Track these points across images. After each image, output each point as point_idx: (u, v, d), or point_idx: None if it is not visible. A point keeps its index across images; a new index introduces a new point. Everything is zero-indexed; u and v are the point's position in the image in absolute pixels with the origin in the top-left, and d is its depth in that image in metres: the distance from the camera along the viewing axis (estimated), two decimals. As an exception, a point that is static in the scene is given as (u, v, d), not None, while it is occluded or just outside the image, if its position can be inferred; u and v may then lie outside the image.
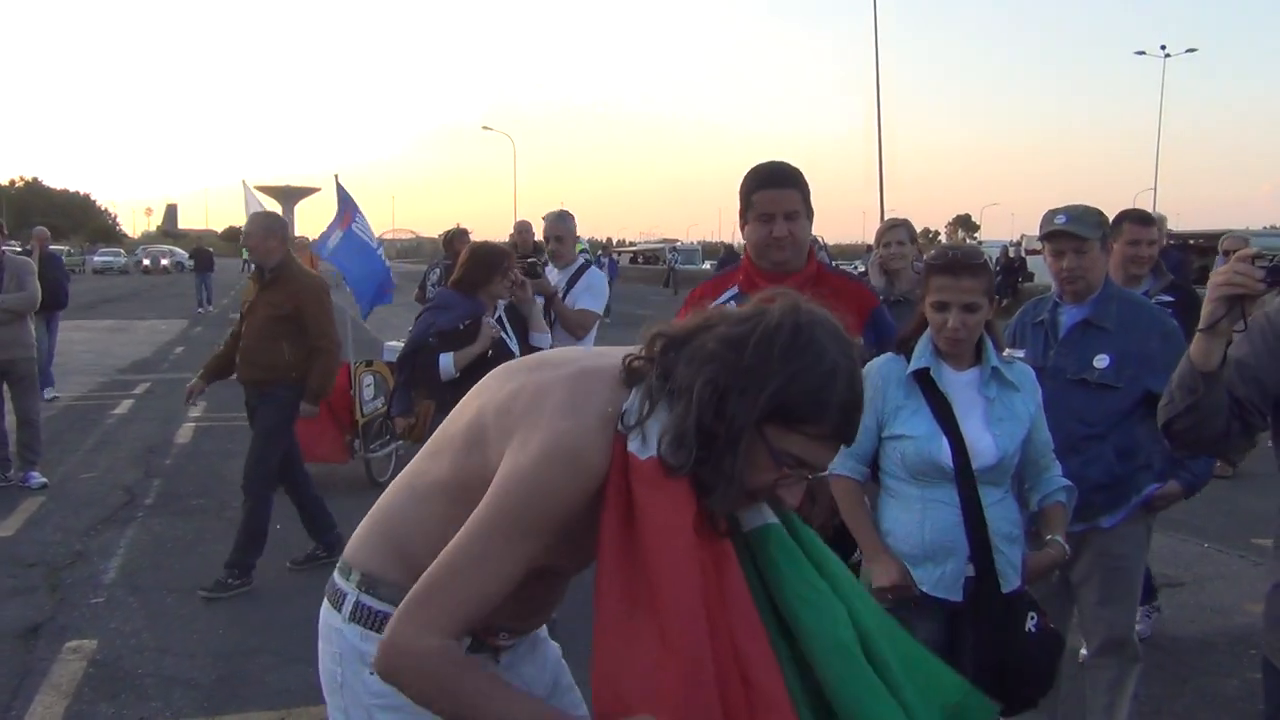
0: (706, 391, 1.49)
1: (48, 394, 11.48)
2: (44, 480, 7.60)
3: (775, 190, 3.00)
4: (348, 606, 1.75)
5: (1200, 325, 2.05)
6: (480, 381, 1.78)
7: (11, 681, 4.30)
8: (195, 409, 9.58)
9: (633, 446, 1.53)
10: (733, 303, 3.12)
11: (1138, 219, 4.26)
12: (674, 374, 1.53)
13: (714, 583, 1.54)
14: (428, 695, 1.54)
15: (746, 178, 3.07)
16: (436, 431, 1.79)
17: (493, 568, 1.52)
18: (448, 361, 4.56)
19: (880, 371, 2.83)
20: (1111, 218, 3.79)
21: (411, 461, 1.81)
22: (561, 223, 5.64)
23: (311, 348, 5.47)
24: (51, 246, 12.66)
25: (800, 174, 3.05)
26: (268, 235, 5.53)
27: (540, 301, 5.21)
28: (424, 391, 4.76)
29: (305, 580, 5.60)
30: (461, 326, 4.63)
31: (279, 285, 5.47)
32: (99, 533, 6.55)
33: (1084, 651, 3.61)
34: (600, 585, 1.54)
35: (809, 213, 3.05)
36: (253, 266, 6.47)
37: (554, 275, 5.52)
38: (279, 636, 4.84)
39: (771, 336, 1.49)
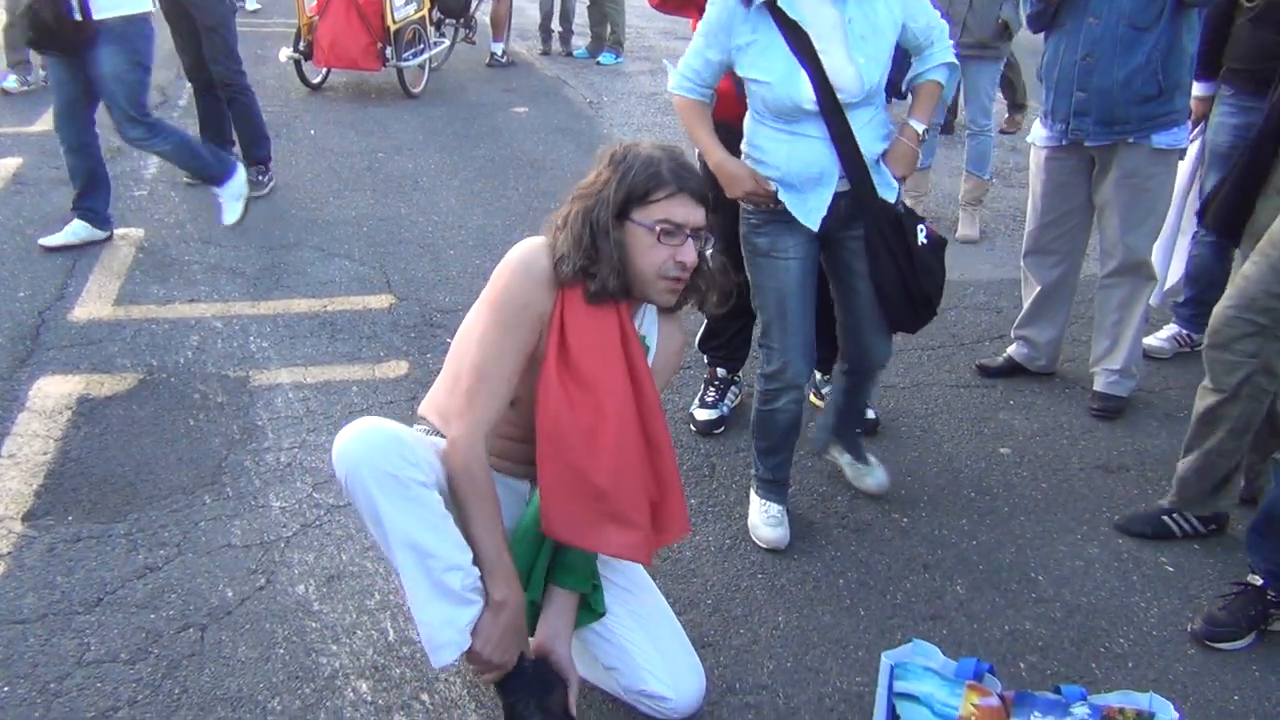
0: (577, 216, 2.03)
1: None
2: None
3: None
4: None
5: None
6: None
7: (66, 261, 4.51)
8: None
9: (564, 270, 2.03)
10: None
11: None
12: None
13: (630, 373, 2.05)
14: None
15: None
16: None
17: (493, 361, 2.01)
18: None
19: (717, 11, 2.51)
20: None
21: None
22: None
23: None
24: None
25: None
26: None
27: None
28: None
29: (344, 182, 5.70)
30: None
31: None
32: (136, 130, 6.59)
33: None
34: (545, 372, 2.01)
35: None
36: None
37: None
38: (320, 233, 5.00)
39: (603, 168, 2.05)
